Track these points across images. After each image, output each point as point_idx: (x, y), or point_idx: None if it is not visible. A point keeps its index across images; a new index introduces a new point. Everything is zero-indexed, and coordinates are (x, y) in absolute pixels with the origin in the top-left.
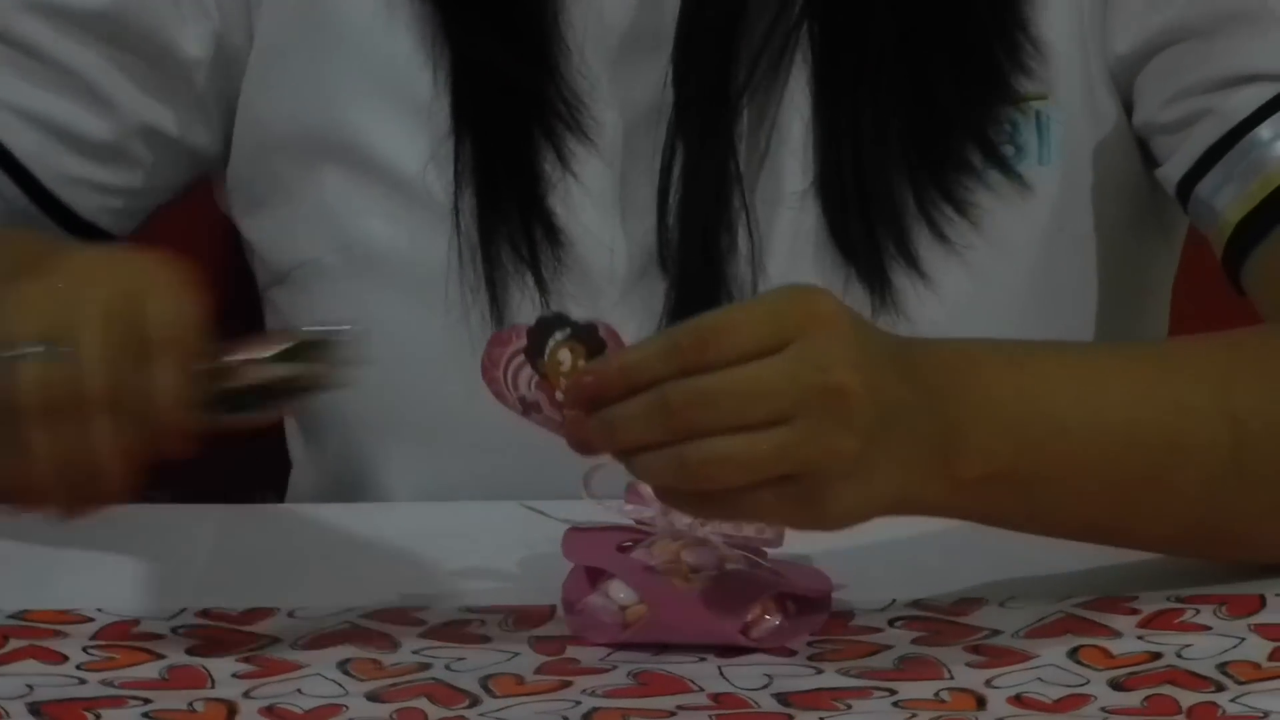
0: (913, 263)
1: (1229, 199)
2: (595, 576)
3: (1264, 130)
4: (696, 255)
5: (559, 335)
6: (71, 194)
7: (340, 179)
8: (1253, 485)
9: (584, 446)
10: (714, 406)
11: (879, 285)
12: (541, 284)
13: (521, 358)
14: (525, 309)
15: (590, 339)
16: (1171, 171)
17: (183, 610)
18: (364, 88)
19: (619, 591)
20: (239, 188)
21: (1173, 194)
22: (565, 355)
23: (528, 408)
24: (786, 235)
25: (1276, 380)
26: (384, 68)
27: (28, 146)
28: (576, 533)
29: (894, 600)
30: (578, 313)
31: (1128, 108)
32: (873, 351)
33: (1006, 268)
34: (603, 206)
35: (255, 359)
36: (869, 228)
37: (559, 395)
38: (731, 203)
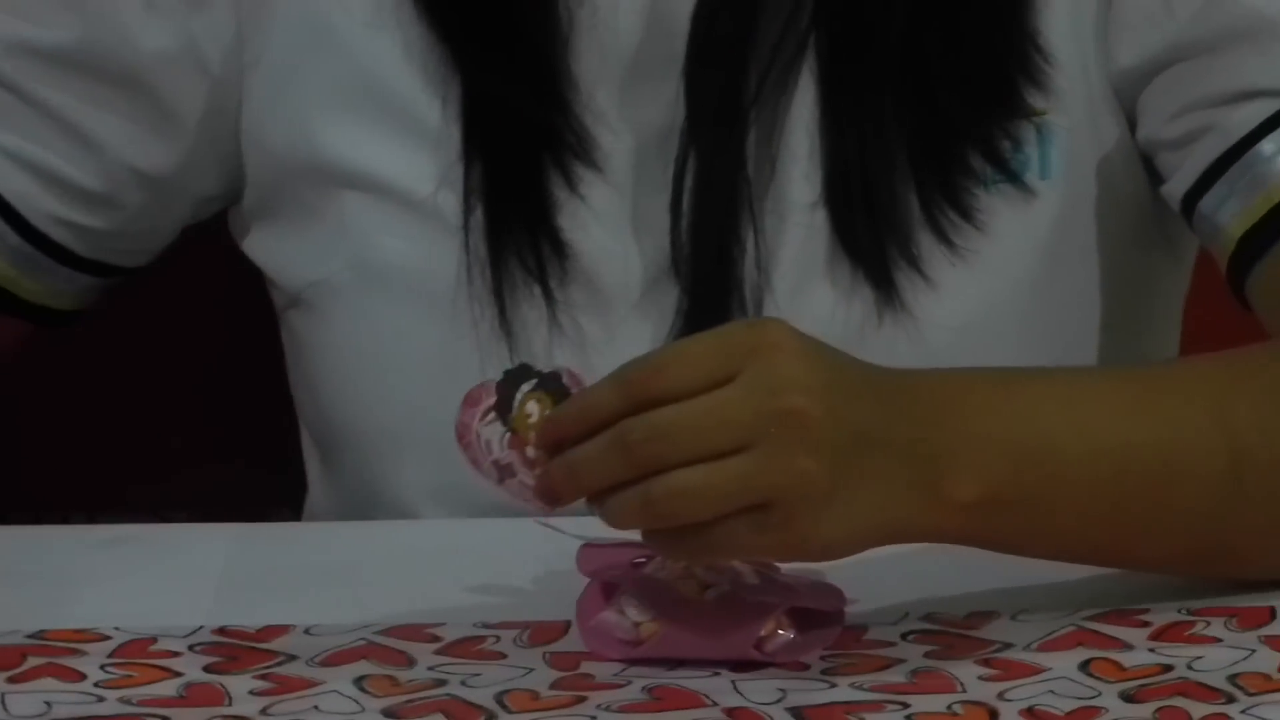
0: (918, 267)
1: (1232, 214)
2: (610, 592)
3: (1266, 145)
4: (710, 266)
5: (525, 387)
6: (63, 235)
7: (354, 202)
8: (1253, 501)
9: (550, 495)
10: (669, 439)
11: (885, 290)
12: (549, 296)
13: (492, 416)
14: (533, 320)
15: (555, 387)
16: (1175, 188)
17: (200, 628)
18: (372, 115)
19: (633, 607)
20: (256, 214)
21: (1177, 210)
22: (533, 407)
23: (502, 472)
24: (796, 243)
25: (1272, 393)
26: (391, 96)
27: (15, 188)
28: (591, 549)
29: (907, 614)
30: (588, 324)
31: (1131, 123)
32: (834, 376)
33: (1012, 273)
34: (611, 226)
35: None
36: (876, 234)
37: (530, 451)
38: (743, 214)
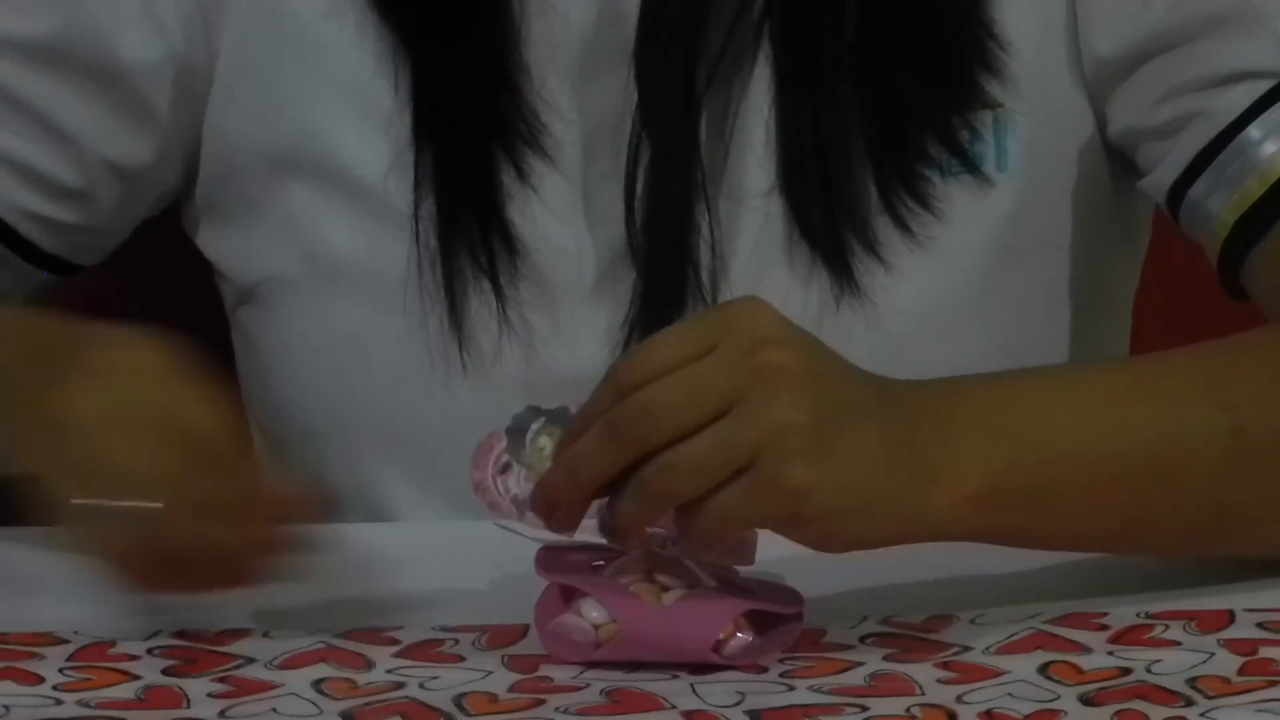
0: (875, 252)
1: (1224, 200)
2: (568, 595)
3: (1255, 130)
4: (666, 253)
5: (535, 426)
6: (31, 229)
7: (305, 191)
8: (1256, 478)
9: (550, 502)
10: (652, 415)
11: (843, 275)
12: (499, 292)
13: (506, 459)
14: (483, 316)
15: (564, 421)
16: (1163, 177)
17: (158, 631)
18: (327, 97)
19: (591, 610)
20: (205, 208)
21: (1161, 200)
22: (545, 441)
23: (521, 507)
24: (752, 229)
25: (1269, 371)
26: (347, 78)
27: None
28: (549, 551)
29: (865, 617)
30: (537, 320)
31: (1100, 116)
32: (817, 347)
33: (968, 261)
34: (563, 218)
35: None
36: (832, 219)
37: None
38: (697, 201)
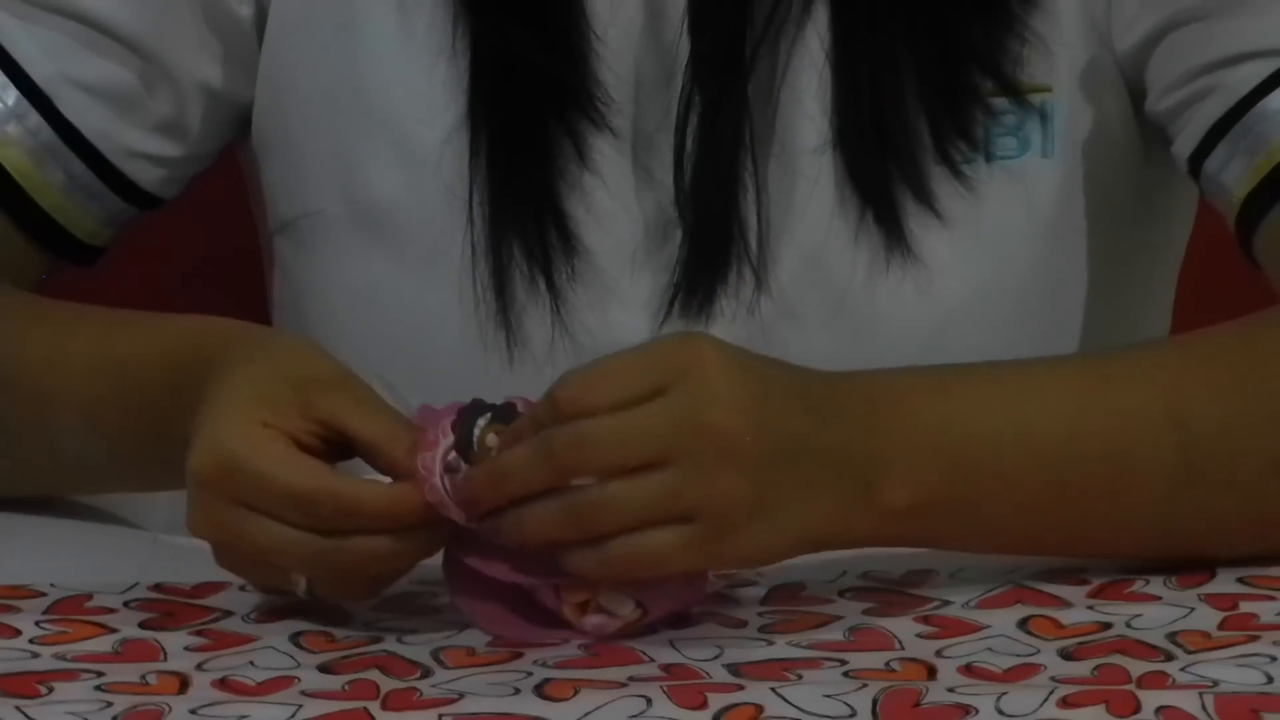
0: (927, 201)
1: (1237, 173)
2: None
3: (1269, 103)
4: (712, 215)
5: (481, 422)
6: (134, 168)
7: (354, 131)
8: (1207, 491)
9: (471, 501)
10: (590, 447)
11: (894, 233)
12: (553, 287)
13: (454, 456)
14: (534, 311)
15: (510, 418)
16: (1181, 149)
17: (135, 584)
18: (391, 54)
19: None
20: (258, 135)
21: (1185, 172)
22: (492, 438)
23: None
24: (802, 190)
25: (1227, 380)
26: (411, 38)
27: (96, 125)
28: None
29: (844, 572)
30: (580, 291)
31: (1136, 98)
32: (762, 389)
33: (1017, 237)
34: (615, 189)
35: None
36: (886, 174)
37: None
38: (745, 160)
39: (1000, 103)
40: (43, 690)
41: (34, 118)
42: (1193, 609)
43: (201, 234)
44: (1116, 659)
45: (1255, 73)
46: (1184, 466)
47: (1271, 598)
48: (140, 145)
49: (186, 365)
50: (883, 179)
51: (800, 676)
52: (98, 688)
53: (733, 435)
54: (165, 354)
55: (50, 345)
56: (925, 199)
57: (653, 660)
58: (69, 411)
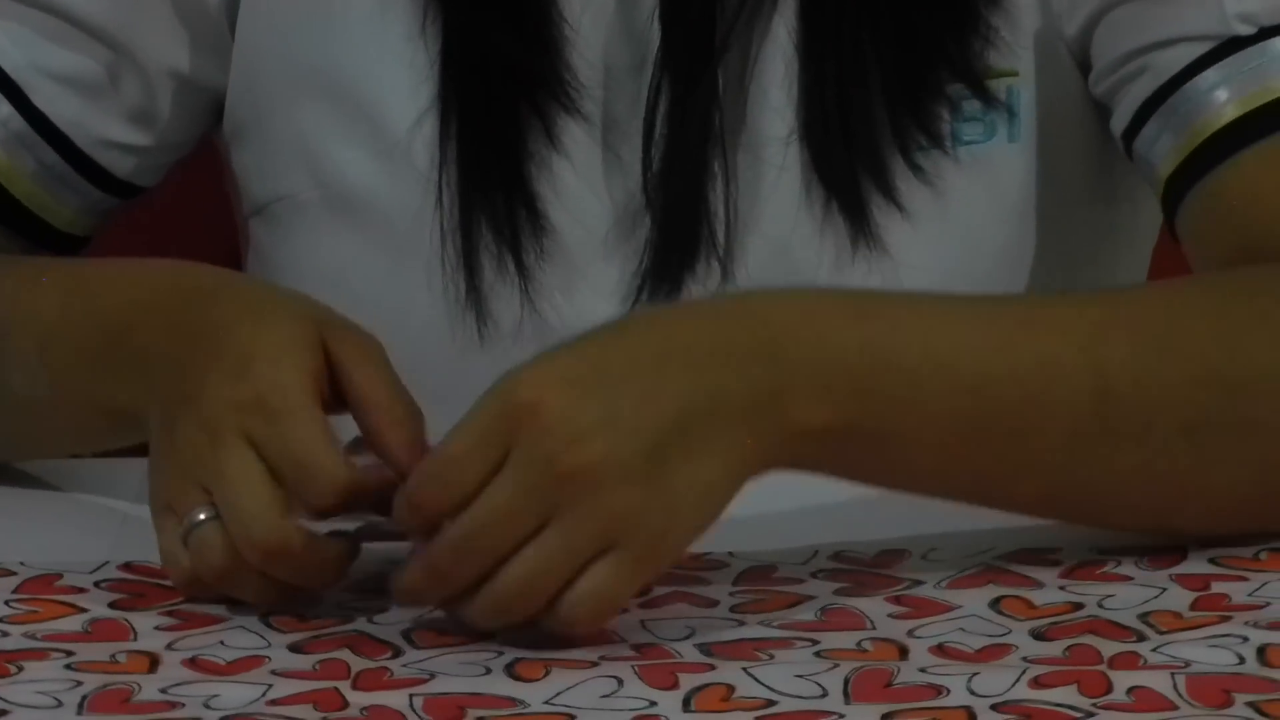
0: (891, 194)
1: (1163, 152)
2: None
3: (1196, 84)
4: (680, 204)
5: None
6: (108, 157)
7: (325, 115)
8: (1117, 443)
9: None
10: (474, 553)
11: (860, 223)
12: (517, 249)
13: None
14: (504, 291)
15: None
16: (1116, 126)
17: (105, 563)
18: (355, 30)
19: None
20: (231, 119)
21: (1123, 151)
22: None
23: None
24: (769, 180)
25: (1148, 336)
26: (384, 22)
27: (68, 114)
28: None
29: (816, 553)
30: (549, 271)
31: (1088, 80)
32: (607, 399)
33: (982, 223)
34: (585, 174)
35: None
36: (851, 165)
37: None
38: (714, 149)
39: (966, 91)
40: (12, 669)
41: (5, 108)
42: (1164, 589)
43: (180, 220)
44: (1088, 639)
45: (1184, 54)
46: (1095, 417)
47: (1243, 578)
48: (112, 134)
49: (160, 286)
50: (847, 170)
51: (772, 656)
52: (67, 667)
53: (594, 465)
54: (140, 276)
55: (19, 281)
56: (889, 192)
57: (624, 640)
58: (26, 337)
